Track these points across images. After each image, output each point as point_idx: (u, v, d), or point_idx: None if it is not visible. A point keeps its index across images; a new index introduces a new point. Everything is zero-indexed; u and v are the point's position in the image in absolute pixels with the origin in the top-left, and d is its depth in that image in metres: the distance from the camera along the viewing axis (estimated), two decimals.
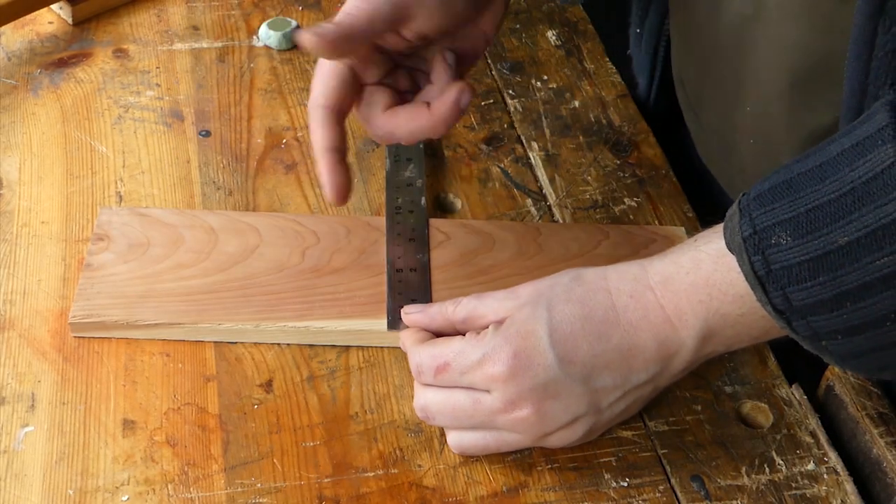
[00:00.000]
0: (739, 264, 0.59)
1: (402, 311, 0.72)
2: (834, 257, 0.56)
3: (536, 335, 0.64)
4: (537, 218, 0.85)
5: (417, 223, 0.81)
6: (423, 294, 0.76)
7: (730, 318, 0.63)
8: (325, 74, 0.73)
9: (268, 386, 0.72)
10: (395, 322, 0.74)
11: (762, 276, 0.58)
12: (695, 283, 0.63)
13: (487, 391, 0.65)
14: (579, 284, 0.66)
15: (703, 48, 0.83)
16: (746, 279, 0.59)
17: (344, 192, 0.71)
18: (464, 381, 0.65)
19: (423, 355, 0.67)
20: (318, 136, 0.71)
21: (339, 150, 0.71)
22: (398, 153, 0.87)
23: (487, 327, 0.66)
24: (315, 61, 0.98)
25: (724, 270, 0.62)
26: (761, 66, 0.75)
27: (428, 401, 0.67)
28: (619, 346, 0.64)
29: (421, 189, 0.84)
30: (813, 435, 0.71)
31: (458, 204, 0.86)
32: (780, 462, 0.70)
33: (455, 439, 0.68)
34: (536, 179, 0.89)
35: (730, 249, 0.60)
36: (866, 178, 0.55)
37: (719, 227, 0.62)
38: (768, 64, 0.75)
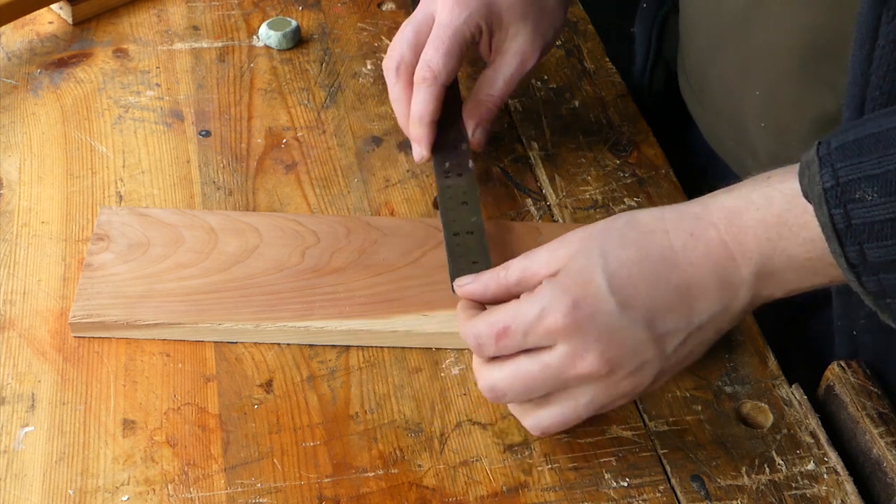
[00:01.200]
0: (817, 215, 0.58)
1: (454, 284, 0.70)
2: None
3: (595, 283, 0.62)
4: (537, 218, 0.85)
5: (468, 186, 0.81)
6: (483, 255, 0.75)
7: (796, 261, 0.61)
8: (451, 49, 0.81)
9: (268, 386, 0.72)
10: None
11: (841, 230, 0.57)
12: (765, 219, 0.61)
13: (551, 347, 0.63)
14: (633, 228, 0.64)
15: (709, 34, 0.83)
16: (823, 230, 0.58)
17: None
18: (528, 343, 0.63)
19: (479, 326, 0.65)
20: (431, 109, 0.82)
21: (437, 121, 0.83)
22: (440, 115, 0.85)
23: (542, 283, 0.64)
24: (316, 61, 0.98)
25: (799, 212, 0.60)
26: (769, 49, 0.75)
27: (494, 379, 0.65)
28: (679, 287, 0.63)
29: (466, 152, 0.83)
30: (813, 435, 0.71)
31: None
32: (780, 462, 0.70)
33: (533, 422, 0.66)
34: (536, 179, 0.89)
35: (806, 198, 0.59)
36: None
37: (793, 168, 0.61)
38: (776, 46, 0.75)
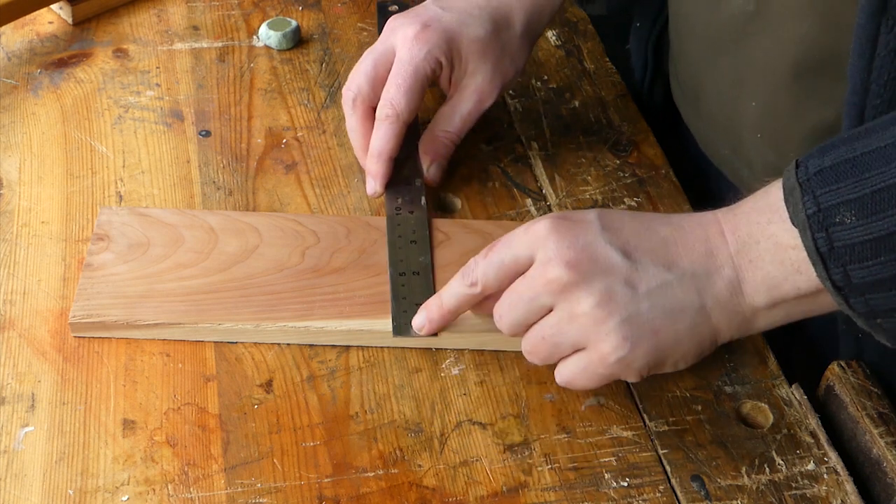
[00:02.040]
0: (803, 240, 0.61)
1: (414, 324, 0.73)
2: None
3: (584, 212, 0.67)
4: None
5: (418, 224, 0.81)
6: (427, 298, 0.75)
7: (782, 249, 0.63)
8: (413, 86, 0.82)
9: (268, 386, 0.72)
10: (400, 328, 0.74)
11: (824, 253, 0.60)
12: (758, 206, 0.64)
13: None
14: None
15: (703, 44, 0.83)
16: (808, 255, 0.61)
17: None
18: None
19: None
20: (390, 147, 0.82)
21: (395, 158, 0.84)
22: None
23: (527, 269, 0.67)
24: (316, 61, 0.98)
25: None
26: (764, 61, 0.75)
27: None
28: (666, 238, 0.66)
29: (420, 189, 0.84)
30: (813, 435, 0.71)
31: (458, 204, 0.86)
32: (780, 462, 0.70)
33: (562, 373, 0.68)
34: (536, 179, 0.89)
35: (793, 223, 0.62)
36: None
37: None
38: (771, 58, 0.75)
